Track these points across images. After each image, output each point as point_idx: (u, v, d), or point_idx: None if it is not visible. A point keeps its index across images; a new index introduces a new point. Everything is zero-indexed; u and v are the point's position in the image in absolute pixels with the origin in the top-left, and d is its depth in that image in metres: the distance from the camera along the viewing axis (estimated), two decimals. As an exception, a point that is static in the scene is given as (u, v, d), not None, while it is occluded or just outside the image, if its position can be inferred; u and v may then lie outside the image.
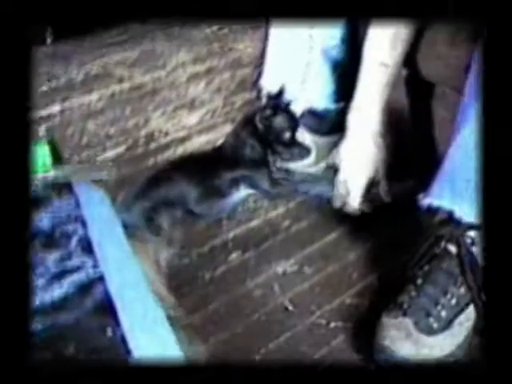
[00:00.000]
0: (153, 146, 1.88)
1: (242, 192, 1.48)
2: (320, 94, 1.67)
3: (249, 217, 1.62)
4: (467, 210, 1.26)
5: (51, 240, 0.90)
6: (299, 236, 1.58)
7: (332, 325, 1.37)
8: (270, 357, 1.30)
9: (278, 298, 1.43)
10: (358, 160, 1.49)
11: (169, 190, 1.39)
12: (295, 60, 1.54)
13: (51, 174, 1.09)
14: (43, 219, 0.93)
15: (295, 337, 1.35)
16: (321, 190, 1.69)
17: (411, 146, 1.62)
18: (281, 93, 1.46)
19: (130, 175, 1.75)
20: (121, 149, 1.85)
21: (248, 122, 1.47)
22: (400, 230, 1.51)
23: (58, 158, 1.16)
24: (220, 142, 1.51)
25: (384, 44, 1.42)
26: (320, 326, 1.37)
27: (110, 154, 1.83)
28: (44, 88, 2.14)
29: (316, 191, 1.69)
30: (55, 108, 2.03)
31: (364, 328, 1.33)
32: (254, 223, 1.59)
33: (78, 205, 0.95)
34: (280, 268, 1.50)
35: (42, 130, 1.15)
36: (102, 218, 0.95)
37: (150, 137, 1.91)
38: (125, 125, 1.96)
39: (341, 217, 1.61)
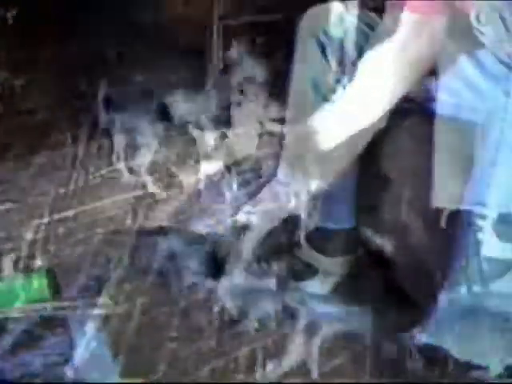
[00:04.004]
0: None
1: None
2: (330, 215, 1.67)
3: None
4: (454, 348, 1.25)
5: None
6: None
7: None
8: None
9: None
10: None
11: None
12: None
13: (48, 305, 1.09)
14: (34, 360, 0.92)
15: None
16: (328, 309, 1.68)
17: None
18: None
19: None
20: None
21: None
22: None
23: (56, 289, 1.16)
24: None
25: None
26: None
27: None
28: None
29: (323, 310, 1.67)
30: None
31: None
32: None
33: (71, 344, 0.95)
34: None
35: (39, 260, 1.16)
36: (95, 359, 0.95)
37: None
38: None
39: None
